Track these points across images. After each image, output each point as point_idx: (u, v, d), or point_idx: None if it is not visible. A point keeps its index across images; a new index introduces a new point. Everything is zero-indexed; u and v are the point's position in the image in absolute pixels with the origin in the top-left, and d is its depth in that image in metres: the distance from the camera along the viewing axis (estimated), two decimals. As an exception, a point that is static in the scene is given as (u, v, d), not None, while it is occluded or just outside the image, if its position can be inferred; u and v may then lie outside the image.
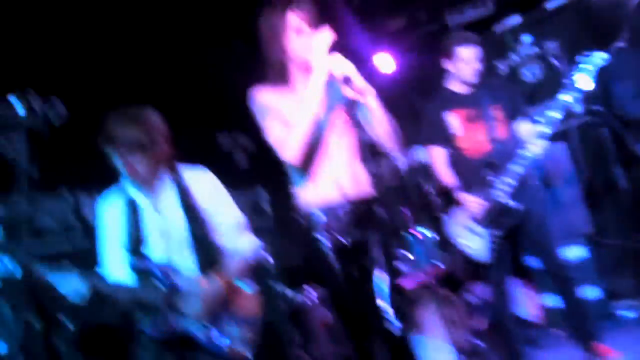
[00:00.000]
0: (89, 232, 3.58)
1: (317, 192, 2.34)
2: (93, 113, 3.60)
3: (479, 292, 4.29)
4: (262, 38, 2.39)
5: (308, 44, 2.30)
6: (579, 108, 4.93)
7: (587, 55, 3.14)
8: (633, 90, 3.30)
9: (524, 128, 3.50)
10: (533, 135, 3.24)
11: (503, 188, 3.26)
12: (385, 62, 5.59)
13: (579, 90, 3.11)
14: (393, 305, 2.26)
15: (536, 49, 4.41)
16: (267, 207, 5.79)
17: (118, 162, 2.43)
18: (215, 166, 4.96)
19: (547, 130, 3.17)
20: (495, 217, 3.29)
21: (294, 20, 2.33)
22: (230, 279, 2.50)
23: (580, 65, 3.14)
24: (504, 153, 3.36)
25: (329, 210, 2.31)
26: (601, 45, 4.52)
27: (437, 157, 3.54)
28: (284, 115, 2.33)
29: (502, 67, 5.41)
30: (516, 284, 4.60)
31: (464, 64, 3.45)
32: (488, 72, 5.40)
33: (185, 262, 2.48)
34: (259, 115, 2.40)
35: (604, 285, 4.47)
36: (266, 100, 2.37)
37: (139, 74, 4.35)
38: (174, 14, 4.29)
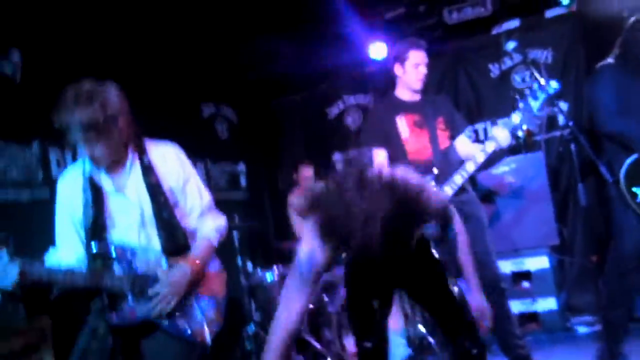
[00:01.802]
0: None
1: None
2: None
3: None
4: None
5: None
6: (562, 120, 5.01)
7: (542, 83, 3.23)
8: (615, 107, 3.28)
9: (462, 146, 3.56)
10: (475, 149, 3.34)
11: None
12: (379, 50, 5.56)
13: (527, 113, 3.24)
14: None
15: (521, 53, 4.37)
16: (243, 182, 5.82)
17: (77, 144, 2.29)
18: (197, 136, 5.05)
19: (489, 148, 3.25)
20: None
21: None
22: (196, 260, 2.43)
23: (536, 92, 3.23)
24: (443, 162, 3.43)
25: None
26: (592, 58, 4.54)
27: (379, 159, 3.56)
28: None
29: (494, 70, 5.41)
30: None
31: (413, 67, 3.51)
32: (481, 74, 5.45)
33: (150, 244, 2.41)
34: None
35: (562, 298, 4.51)
36: None
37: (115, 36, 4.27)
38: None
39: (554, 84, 3.23)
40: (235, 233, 4.60)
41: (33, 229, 3.21)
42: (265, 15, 5.03)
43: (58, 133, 2.27)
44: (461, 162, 3.40)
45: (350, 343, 4.00)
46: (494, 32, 5.36)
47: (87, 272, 2.27)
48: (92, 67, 3.46)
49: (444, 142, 3.51)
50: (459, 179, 3.31)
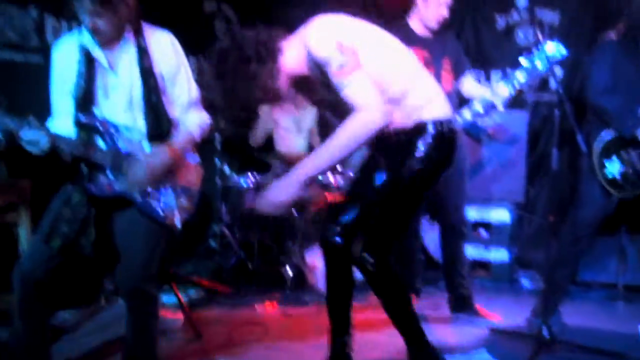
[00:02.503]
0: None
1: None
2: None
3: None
4: None
5: None
6: (553, 84, 5.09)
7: (551, 44, 3.23)
8: (606, 84, 3.36)
9: (468, 86, 3.62)
10: (476, 97, 3.39)
11: None
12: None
13: (532, 73, 3.24)
14: None
15: (528, 13, 4.42)
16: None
17: (80, 14, 2.30)
18: (195, 30, 4.98)
19: (493, 99, 3.29)
20: None
21: None
22: (176, 148, 2.51)
23: (540, 50, 3.22)
24: None
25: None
26: (597, 29, 4.58)
27: None
28: None
29: (501, 21, 5.40)
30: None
31: (436, 3, 3.44)
32: (487, 23, 5.43)
33: (135, 125, 2.47)
34: None
35: (514, 252, 4.76)
36: None
37: None
38: None
39: (563, 51, 3.20)
40: (217, 135, 4.67)
41: (24, 91, 3.24)
42: None
43: (57, 2, 2.27)
44: (459, 106, 3.46)
45: (310, 256, 4.20)
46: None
47: (72, 140, 2.35)
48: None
49: (446, 84, 3.51)
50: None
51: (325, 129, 5.72)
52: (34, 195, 3.19)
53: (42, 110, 2.47)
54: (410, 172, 2.30)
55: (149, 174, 2.42)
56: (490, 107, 3.31)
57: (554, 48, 3.22)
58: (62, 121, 2.44)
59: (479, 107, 3.32)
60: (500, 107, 3.29)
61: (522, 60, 3.23)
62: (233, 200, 4.78)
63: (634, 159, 3.28)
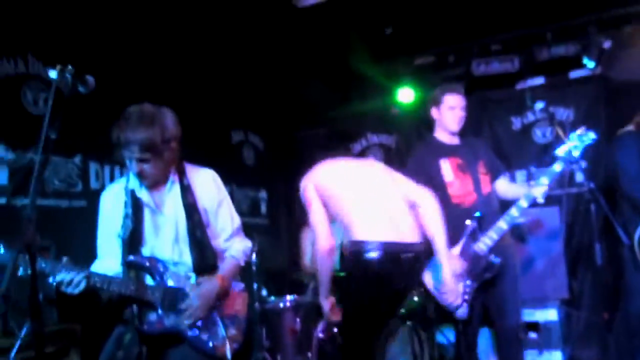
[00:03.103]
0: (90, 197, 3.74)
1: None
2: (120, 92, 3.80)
3: (448, 334, 4.40)
4: None
5: None
6: (580, 177, 5.13)
7: (580, 132, 3.31)
8: (634, 172, 3.42)
9: (503, 187, 3.67)
10: (514, 196, 3.43)
11: (485, 241, 3.38)
12: (407, 94, 5.73)
13: (569, 162, 3.31)
14: None
15: (546, 114, 4.55)
16: (264, 209, 5.94)
17: (127, 160, 2.44)
18: (225, 161, 5.20)
19: (536, 194, 3.32)
20: (473, 269, 3.36)
21: None
22: (224, 276, 2.57)
23: (572, 139, 3.31)
24: (487, 207, 3.49)
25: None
26: (612, 121, 4.69)
27: None
28: None
29: (516, 123, 5.55)
30: (483, 333, 4.69)
31: (450, 110, 3.60)
32: (503, 126, 5.59)
33: (182, 259, 2.55)
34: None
35: (568, 352, 4.58)
36: None
37: (161, 69, 4.54)
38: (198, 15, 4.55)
39: (592, 135, 3.28)
40: (252, 258, 4.72)
41: (70, 235, 3.37)
42: (297, 53, 5.28)
43: (99, 148, 2.42)
44: (502, 207, 3.50)
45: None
46: (518, 87, 5.51)
47: (122, 280, 2.41)
48: (132, 92, 3.67)
49: (486, 186, 3.57)
50: (503, 224, 3.38)
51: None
52: (84, 339, 3.22)
53: (85, 251, 2.57)
54: (345, 288, 2.83)
55: (201, 305, 2.46)
56: (534, 202, 3.34)
57: (583, 134, 3.28)
58: (108, 262, 2.49)
59: (524, 204, 3.34)
60: (541, 200, 3.32)
61: (558, 150, 3.30)
62: (273, 323, 4.72)
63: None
